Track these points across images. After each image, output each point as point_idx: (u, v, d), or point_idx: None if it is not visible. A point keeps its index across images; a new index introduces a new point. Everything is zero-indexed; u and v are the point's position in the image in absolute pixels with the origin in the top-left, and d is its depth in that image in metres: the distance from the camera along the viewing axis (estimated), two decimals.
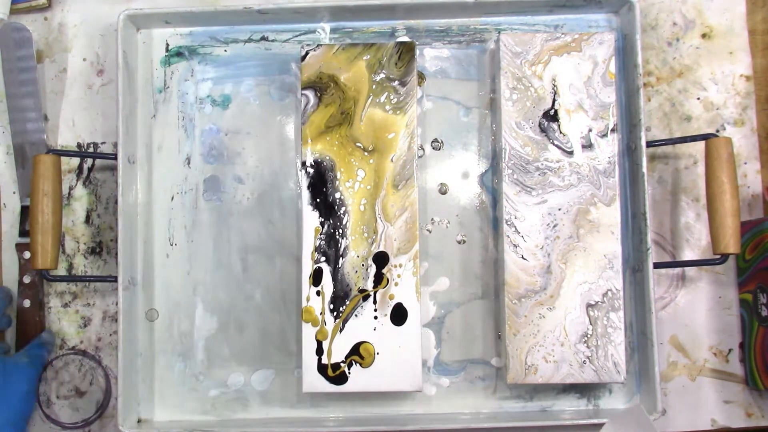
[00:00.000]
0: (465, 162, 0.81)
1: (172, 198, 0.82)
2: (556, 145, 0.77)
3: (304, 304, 0.75)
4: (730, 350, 0.81)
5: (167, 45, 0.83)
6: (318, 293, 0.76)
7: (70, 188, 0.83)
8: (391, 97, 0.77)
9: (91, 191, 0.83)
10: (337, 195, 0.76)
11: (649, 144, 0.77)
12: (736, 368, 0.80)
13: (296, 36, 0.83)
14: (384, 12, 0.81)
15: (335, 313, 0.75)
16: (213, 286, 0.81)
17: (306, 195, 0.77)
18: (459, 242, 0.81)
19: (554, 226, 0.76)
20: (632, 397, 0.79)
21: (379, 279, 0.76)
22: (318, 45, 0.78)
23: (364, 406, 0.79)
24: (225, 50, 0.83)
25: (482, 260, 0.80)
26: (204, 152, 0.82)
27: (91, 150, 0.83)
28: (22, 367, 0.75)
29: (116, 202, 0.77)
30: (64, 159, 0.81)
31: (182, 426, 0.77)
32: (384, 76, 0.78)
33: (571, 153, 0.77)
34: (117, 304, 0.76)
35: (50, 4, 0.84)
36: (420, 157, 0.81)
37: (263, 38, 0.83)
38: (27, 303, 0.80)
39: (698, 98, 0.82)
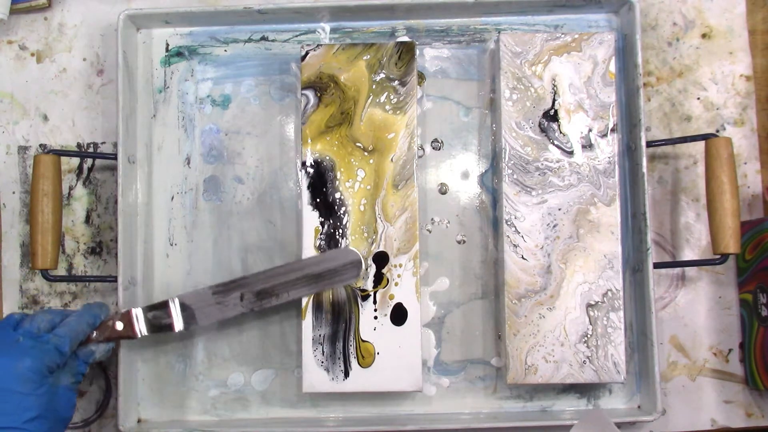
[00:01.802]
0: (465, 162, 0.81)
1: (172, 198, 0.82)
2: (556, 145, 0.77)
3: (304, 301, 0.76)
4: (730, 350, 0.81)
5: (167, 45, 0.83)
6: None
7: (70, 188, 0.83)
8: (391, 97, 0.77)
9: (91, 191, 0.83)
10: (337, 195, 0.76)
11: (649, 144, 0.77)
12: (736, 368, 0.80)
13: (296, 36, 0.83)
14: (384, 12, 0.81)
15: None
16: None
17: (306, 195, 0.77)
18: (459, 242, 0.81)
19: (554, 226, 0.76)
20: (632, 397, 0.79)
21: (379, 279, 0.76)
22: (318, 45, 0.78)
23: (364, 406, 0.79)
24: (225, 50, 0.83)
25: (482, 260, 0.80)
26: (204, 152, 0.82)
27: (91, 150, 0.83)
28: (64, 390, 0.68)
29: (116, 202, 0.77)
30: (64, 159, 0.81)
31: (182, 426, 0.77)
32: (384, 76, 0.78)
33: (571, 153, 0.77)
34: (117, 304, 0.76)
35: (50, 4, 0.84)
36: (420, 157, 0.81)
37: (263, 38, 0.83)
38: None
39: (698, 98, 0.82)
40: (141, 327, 0.73)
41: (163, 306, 0.74)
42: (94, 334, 0.71)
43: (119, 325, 0.72)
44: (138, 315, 0.73)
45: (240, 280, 0.75)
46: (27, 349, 0.65)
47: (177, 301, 0.74)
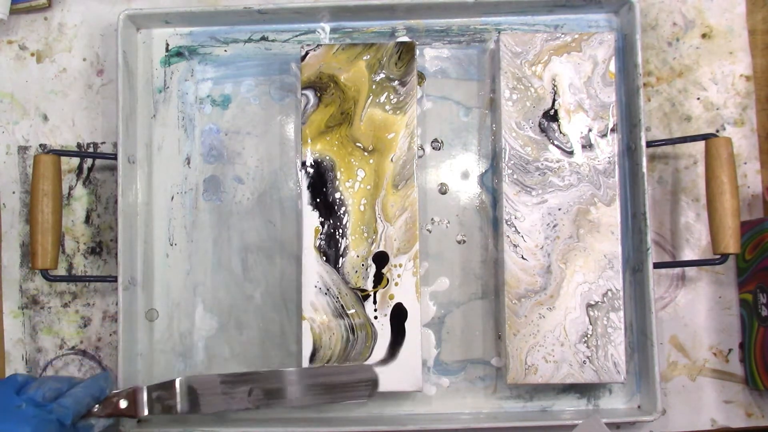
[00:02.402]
0: (465, 162, 0.81)
1: (172, 198, 0.82)
2: (556, 145, 0.77)
3: (305, 303, 0.75)
4: (730, 350, 0.81)
5: (167, 45, 0.83)
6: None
7: (70, 188, 0.83)
8: (391, 97, 0.77)
9: (91, 191, 0.83)
10: (337, 195, 0.76)
11: (649, 144, 0.77)
12: (736, 368, 0.80)
13: (296, 36, 0.83)
14: (384, 12, 0.81)
15: None
16: (213, 286, 0.81)
17: (306, 195, 0.77)
18: (459, 242, 0.81)
19: (554, 226, 0.76)
20: (632, 397, 0.79)
21: (379, 279, 0.76)
22: (318, 45, 0.78)
23: (364, 406, 0.79)
24: (225, 50, 0.83)
25: (482, 260, 0.80)
26: (204, 152, 0.82)
27: (91, 150, 0.83)
28: None
29: (116, 202, 0.77)
30: (64, 159, 0.81)
31: (182, 426, 0.77)
32: (384, 76, 0.78)
33: (571, 153, 0.77)
34: (117, 304, 0.76)
35: (50, 4, 0.84)
36: (420, 157, 0.81)
37: (263, 38, 0.83)
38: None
39: (698, 98, 0.82)
40: (143, 407, 0.71)
41: (169, 387, 0.71)
42: (96, 408, 0.69)
43: (123, 403, 0.70)
44: (143, 394, 0.71)
45: (252, 374, 0.72)
46: (29, 418, 0.62)
47: (183, 382, 0.71)
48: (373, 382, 0.73)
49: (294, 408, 0.74)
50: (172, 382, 0.71)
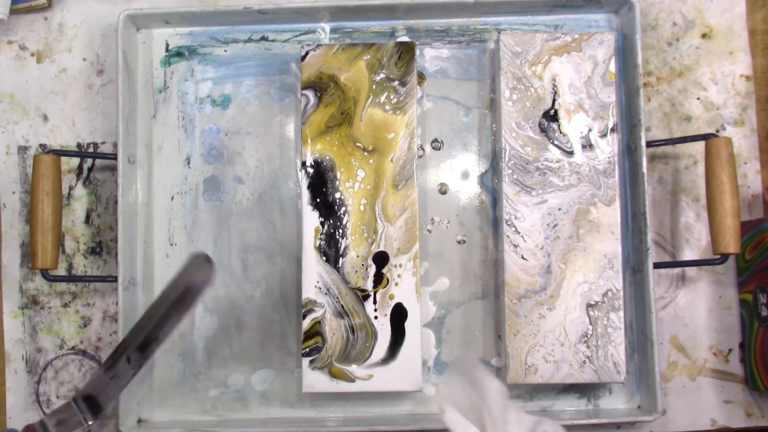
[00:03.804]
0: (465, 162, 0.81)
1: (172, 198, 0.82)
2: (556, 145, 0.77)
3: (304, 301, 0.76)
4: (730, 350, 0.81)
5: (167, 45, 0.83)
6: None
7: (70, 188, 0.83)
8: (391, 97, 0.77)
9: (91, 191, 0.83)
10: (337, 195, 0.76)
11: (649, 144, 0.78)
12: (736, 368, 0.80)
13: (296, 36, 0.83)
14: (384, 12, 0.81)
15: None
16: (213, 286, 0.81)
17: (306, 195, 0.77)
18: (459, 242, 0.81)
19: (554, 226, 0.76)
20: (632, 397, 0.79)
21: (379, 279, 0.76)
22: (318, 45, 0.78)
23: (364, 406, 0.79)
24: (225, 50, 0.83)
25: (482, 260, 0.80)
26: (204, 152, 0.82)
27: (91, 150, 0.83)
28: None
29: (116, 202, 0.77)
30: (64, 159, 0.81)
31: (182, 426, 0.77)
32: (384, 76, 0.78)
33: (571, 153, 0.77)
34: (117, 304, 0.76)
35: (50, 4, 0.84)
36: (420, 157, 0.81)
37: (263, 38, 0.83)
38: None
39: (698, 98, 0.82)
40: None
41: (65, 408, 0.69)
42: None
43: None
44: (43, 426, 0.68)
45: (120, 345, 0.70)
46: None
47: (75, 397, 0.70)
48: (204, 257, 0.69)
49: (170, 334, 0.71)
50: (67, 402, 0.69)
